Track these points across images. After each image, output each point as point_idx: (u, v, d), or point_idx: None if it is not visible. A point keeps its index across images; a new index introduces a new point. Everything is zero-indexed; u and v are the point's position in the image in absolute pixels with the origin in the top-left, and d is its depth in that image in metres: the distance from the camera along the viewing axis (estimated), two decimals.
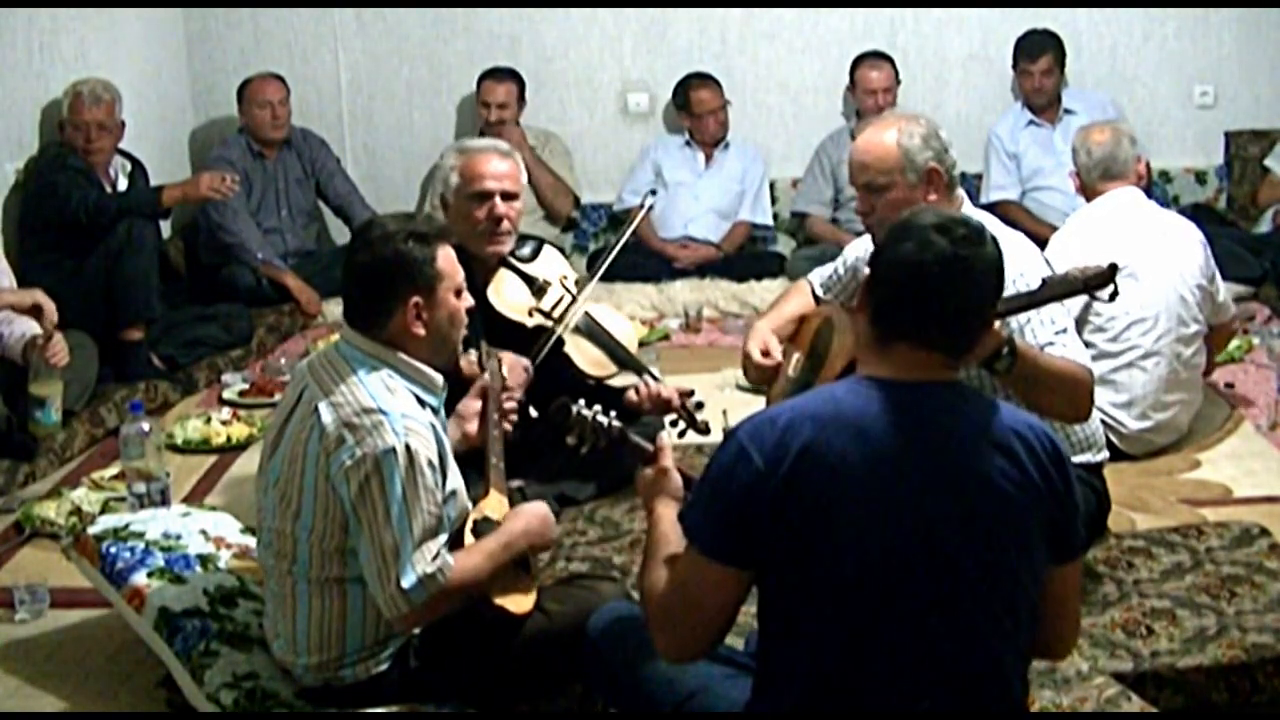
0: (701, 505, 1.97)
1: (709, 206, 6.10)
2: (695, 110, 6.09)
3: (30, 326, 4.09)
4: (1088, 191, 3.97)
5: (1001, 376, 2.64)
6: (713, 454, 1.98)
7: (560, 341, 3.46)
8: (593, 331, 3.57)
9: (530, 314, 3.46)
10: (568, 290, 3.56)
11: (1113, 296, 2.54)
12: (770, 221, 6.25)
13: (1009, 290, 2.77)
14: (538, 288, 3.50)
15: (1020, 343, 2.65)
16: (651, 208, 4.39)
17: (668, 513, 2.19)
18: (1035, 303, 2.60)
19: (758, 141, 6.36)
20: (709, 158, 6.16)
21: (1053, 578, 1.98)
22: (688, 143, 6.17)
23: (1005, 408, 2.00)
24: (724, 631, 1.98)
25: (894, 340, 1.95)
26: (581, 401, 2.39)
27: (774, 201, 6.38)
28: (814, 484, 1.86)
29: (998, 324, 2.69)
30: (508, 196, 3.36)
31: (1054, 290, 2.56)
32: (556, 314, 3.49)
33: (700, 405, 3.55)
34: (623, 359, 3.59)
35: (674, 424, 3.54)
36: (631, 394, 3.48)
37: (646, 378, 3.52)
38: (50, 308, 4.06)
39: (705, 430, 3.54)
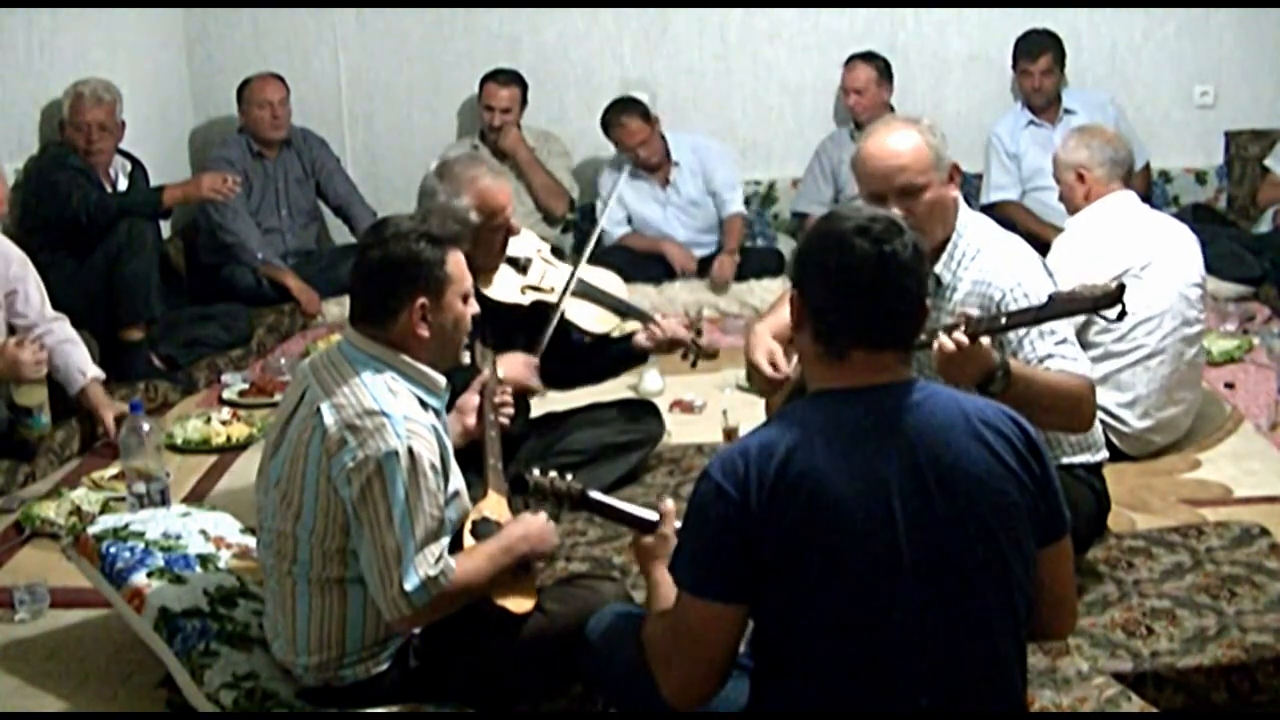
0: (685, 548, 1.97)
1: (690, 232, 5.98)
2: (620, 147, 5.87)
3: (70, 337, 4.18)
4: (1088, 191, 3.90)
5: (995, 398, 2.62)
6: (689, 497, 1.98)
7: (561, 311, 3.55)
8: (587, 291, 3.67)
9: (523, 292, 3.54)
10: (548, 261, 3.65)
11: (1120, 316, 2.53)
12: (746, 213, 6.10)
13: (1010, 303, 2.79)
14: (521, 266, 3.57)
15: (1014, 364, 2.63)
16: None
17: (666, 575, 2.15)
18: (1041, 319, 2.59)
19: (758, 141, 6.36)
20: (665, 181, 5.96)
21: (1043, 559, 1.99)
22: (635, 174, 5.94)
23: (969, 398, 2.01)
24: (728, 670, 1.98)
25: (848, 350, 1.95)
26: (536, 471, 2.36)
27: (774, 201, 6.38)
28: (796, 506, 1.86)
29: (999, 338, 2.67)
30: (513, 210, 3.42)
31: (1060, 308, 2.54)
32: (546, 285, 3.57)
33: (699, 332, 3.73)
34: (622, 309, 3.74)
35: (684, 356, 3.69)
36: (641, 339, 3.63)
37: (650, 324, 3.64)
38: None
39: (714, 355, 3.73)
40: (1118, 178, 3.91)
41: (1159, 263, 3.80)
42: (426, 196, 3.30)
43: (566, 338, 3.63)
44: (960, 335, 2.51)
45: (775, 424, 1.98)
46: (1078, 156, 3.93)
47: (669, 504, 2.30)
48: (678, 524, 2.25)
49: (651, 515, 2.35)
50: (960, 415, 1.94)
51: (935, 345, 2.53)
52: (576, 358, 3.64)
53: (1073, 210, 3.96)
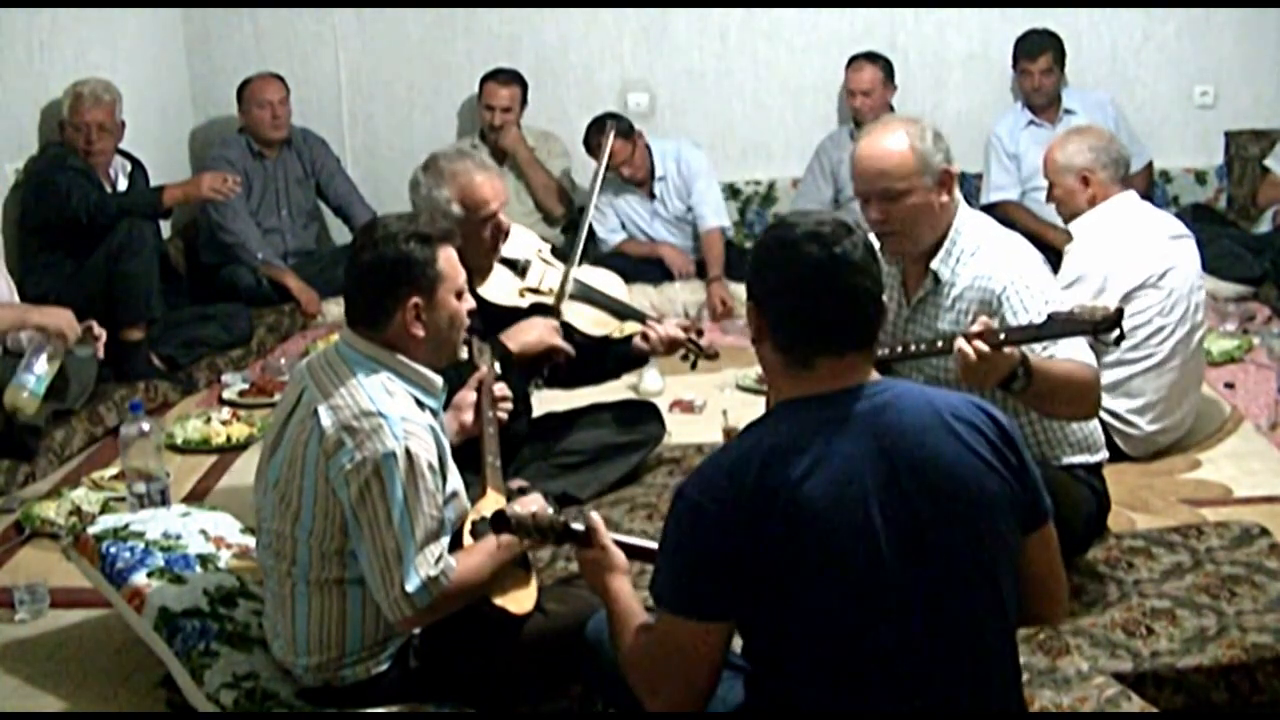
0: (667, 568, 1.96)
1: (681, 242, 5.97)
2: (607, 165, 5.69)
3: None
4: (1092, 195, 3.79)
5: (1016, 396, 2.62)
6: (666, 517, 1.97)
7: (558, 313, 3.53)
8: (586, 294, 3.66)
9: (522, 295, 3.52)
10: (547, 262, 3.63)
11: (1118, 340, 2.54)
12: (726, 222, 6.00)
13: (1010, 296, 2.79)
14: (520, 268, 3.56)
15: (1032, 359, 2.63)
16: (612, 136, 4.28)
17: (624, 586, 2.16)
18: (1039, 338, 2.60)
19: (758, 141, 6.36)
20: (651, 195, 5.95)
21: (1028, 547, 1.99)
22: (624, 186, 5.91)
23: (939, 394, 2.00)
24: (717, 680, 1.97)
25: (812, 359, 1.94)
26: (516, 507, 2.35)
27: (774, 202, 6.38)
28: (775, 519, 1.85)
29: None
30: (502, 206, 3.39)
31: (1060, 328, 2.55)
32: (545, 287, 3.56)
33: (701, 333, 3.72)
34: (621, 311, 3.71)
35: (684, 358, 3.69)
36: (640, 341, 3.60)
37: (650, 323, 3.63)
38: (63, 329, 3.88)
39: (714, 356, 3.72)
40: (1119, 179, 3.83)
41: (1174, 269, 3.77)
42: (412, 190, 3.31)
43: (568, 340, 3.62)
44: (981, 345, 2.51)
45: (747, 437, 1.97)
46: (1080, 160, 3.80)
47: (594, 516, 2.26)
48: (619, 536, 2.24)
49: (650, 544, 2.29)
50: (932, 412, 1.94)
51: (956, 351, 2.53)
52: (577, 360, 3.63)
53: (1071, 214, 3.85)
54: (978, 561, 1.91)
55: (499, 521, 2.27)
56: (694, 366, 3.74)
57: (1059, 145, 3.91)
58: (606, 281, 3.79)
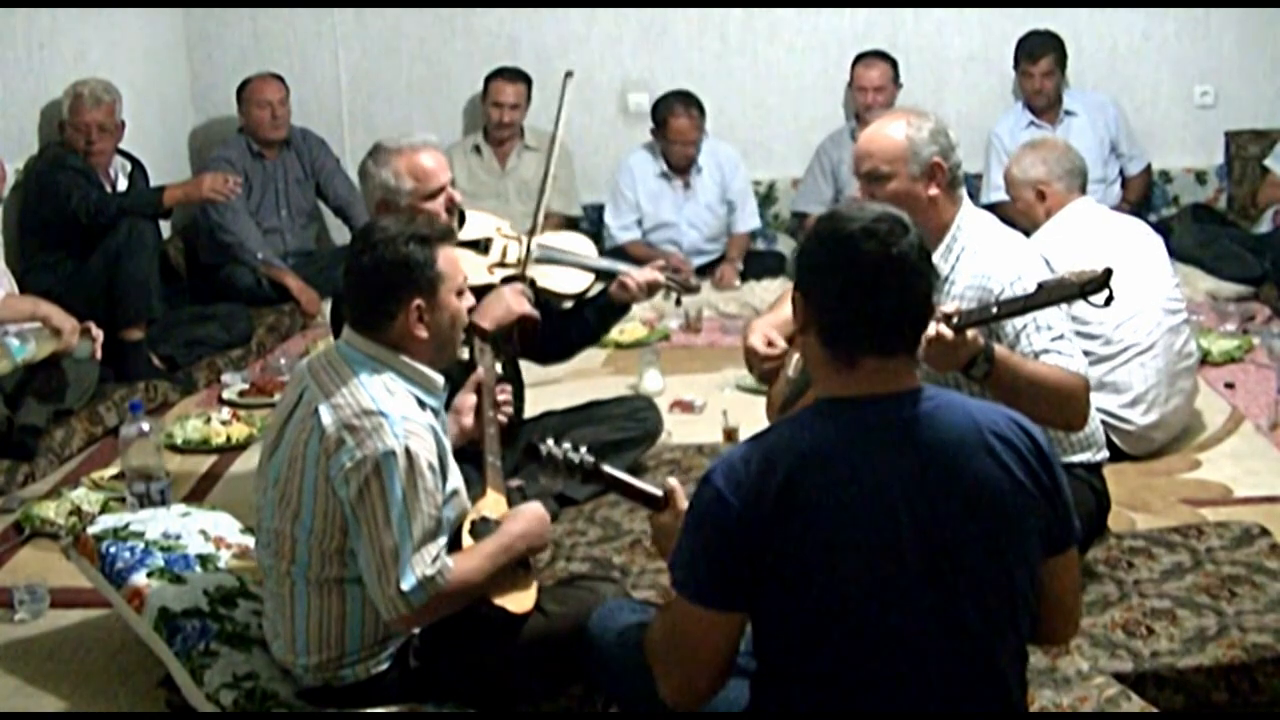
0: (684, 553, 1.93)
1: (700, 236, 6.02)
2: (671, 138, 5.87)
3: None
4: (1048, 207, 3.89)
5: (979, 384, 2.62)
6: (691, 499, 1.95)
7: (530, 280, 3.54)
8: (552, 257, 3.68)
9: (491, 271, 3.54)
10: (508, 237, 3.65)
11: (1108, 301, 2.53)
12: (759, 224, 6.16)
13: (1007, 292, 2.78)
14: (482, 247, 3.58)
15: (1000, 351, 2.63)
16: (570, 75, 4.22)
17: None
18: (1030, 307, 2.58)
19: (758, 141, 6.36)
20: (686, 184, 5.99)
21: (1049, 568, 1.97)
22: (664, 174, 5.96)
23: (981, 407, 1.97)
24: (726, 672, 1.96)
25: (857, 356, 1.90)
26: (550, 441, 2.36)
27: (774, 202, 6.39)
28: (798, 520, 1.84)
29: (994, 327, 2.68)
30: (452, 183, 3.39)
31: (1049, 295, 2.55)
32: (511, 259, 3.58)
33: (677, 270, 3.74)
34: (593, 267, 3.74)
35: (665, 297, 3.71)
36: (618, 290, 3.60)
37: (624, 273, 3.62)
38: (69, 326, 3.97)
39: (695, 289, 3.79)
40: (1077, 187, 3.92)
41: (1131, 260, 3.80)
42: (364, 179, 3.32)
43: (545, 309, 3.60)
44: (944, 328, 2.50)
45: (782, 431, 1.94)
46: (1036, 173, 3.91)
47: (673, 482, 2.27)
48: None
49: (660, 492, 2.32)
50: (971, 427, 1.90)
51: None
52: (558, 325, 3.62)
53: (1032, 227, 3.89)
54: (997, 580, 1.89)
55: (530, 451, 2.31)
56: (678, 303, 3.77)
57: (1015, 161, 4.03)
58: (571, 241, 3.81)
